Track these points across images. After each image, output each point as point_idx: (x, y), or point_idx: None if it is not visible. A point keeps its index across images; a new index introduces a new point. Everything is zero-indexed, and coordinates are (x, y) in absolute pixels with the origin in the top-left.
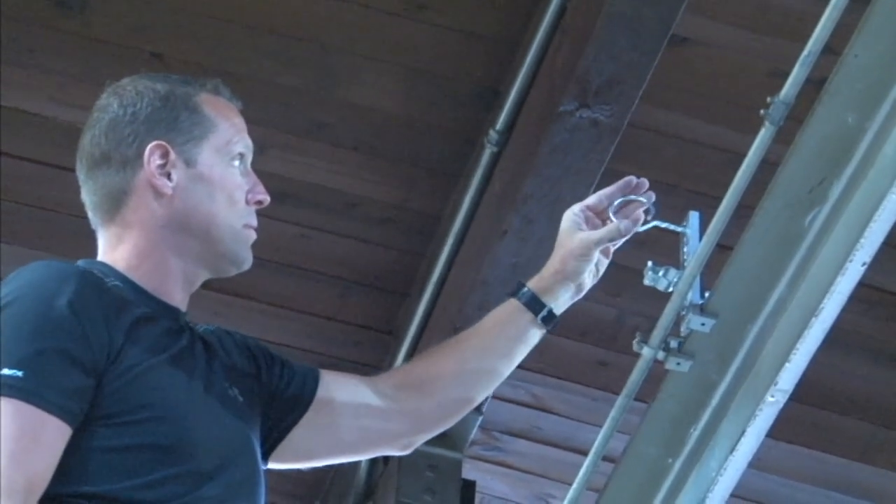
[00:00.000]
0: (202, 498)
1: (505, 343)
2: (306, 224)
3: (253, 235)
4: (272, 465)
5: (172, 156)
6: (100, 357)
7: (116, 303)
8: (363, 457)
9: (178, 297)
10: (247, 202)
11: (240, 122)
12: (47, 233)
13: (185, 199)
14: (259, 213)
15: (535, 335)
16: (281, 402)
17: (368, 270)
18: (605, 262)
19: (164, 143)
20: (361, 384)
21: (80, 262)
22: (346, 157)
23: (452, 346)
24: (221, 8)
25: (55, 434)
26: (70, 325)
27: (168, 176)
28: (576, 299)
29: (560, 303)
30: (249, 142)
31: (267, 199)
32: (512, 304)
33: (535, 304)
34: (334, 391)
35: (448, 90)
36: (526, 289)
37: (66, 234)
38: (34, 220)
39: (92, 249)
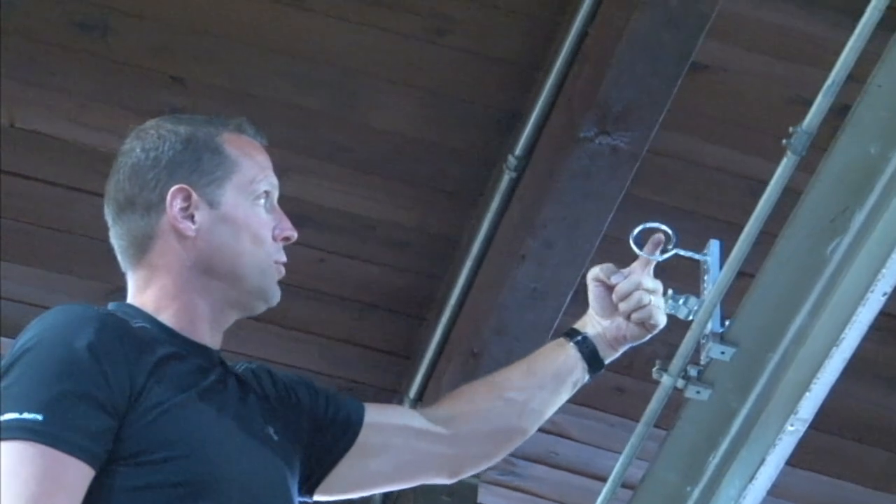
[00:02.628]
0: None
1: (550, 374)
2: (324, 247)
3: (282, 271)
4: (318, 498)
5: (195, 198)
6: (121, 398)
7: (140, 343)
8: (410, 484)
9: (209, 337)
10: (274, 238)
11: (264, 159)
12: (67, 255)
13: (210, 240)
14: None
15: (574, 361)
16: (328, 433)
17: (386, 294)
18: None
19: (186, 186)
20: (409, 411)
21: (110, 305)
22: (365, 180)
23: (513, 377)
24: (242, 31)
25: (77, 476)
26: (89, 367)
27: (191, 218)
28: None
29: (588, 328)
30: (275, 179)
31: (294, 234)
32: (559, 342)
33: (570, 330)
34: (382, 418)
35: (467, 114)
36: (575, 328)
37: (88, 257)
38: (54, 242)
39: (106, 270)
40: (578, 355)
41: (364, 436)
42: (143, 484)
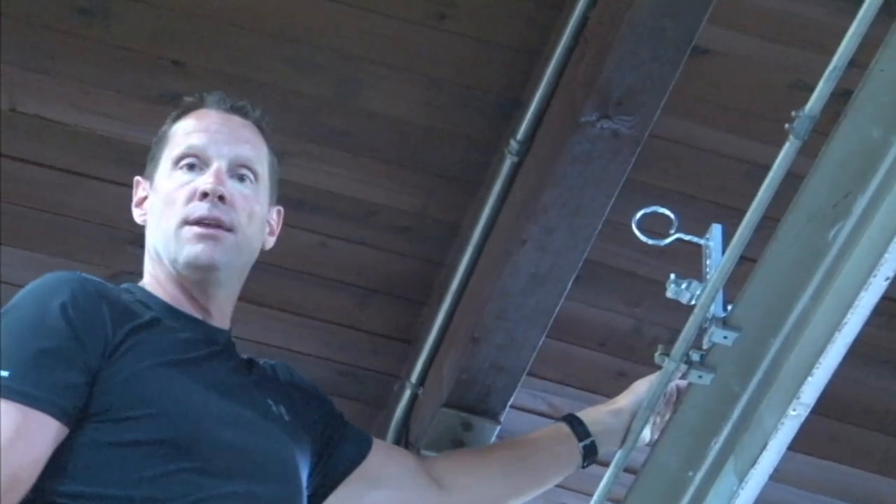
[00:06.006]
0: (214, 497)
1: (550, 471)
2: (325, 232)
3: (194, 230)
4: None
5: (143, 185)
6: (93, 356)
7: (121, 307)
8: None
9: (200, 312)
10: (189, 198)
11: (196, 123)
12: (67, 239)
13: (149, 221)
14: None
15: (574, 463)
16: (334, 455)
17: (387, 279)
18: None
19: (140, 177)
20: (412, 456)
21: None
22: (366, 165)
23: (506, 460)
24: (243, 16)
25: (41, 429)
26: (60, 326)
27: (143, 206)
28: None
29: (599, 429)
30: (198, 140)
31: (210, 187)
32: (567, 434)
33: (578, 427)
34: (386, 452)
35: (469, 99)
36: (584, 426)
37: (88, 241)
38: (54, 226)
39: (106, 255)
40: (580, 458)
41: (368, 462)
42: (123, 440)
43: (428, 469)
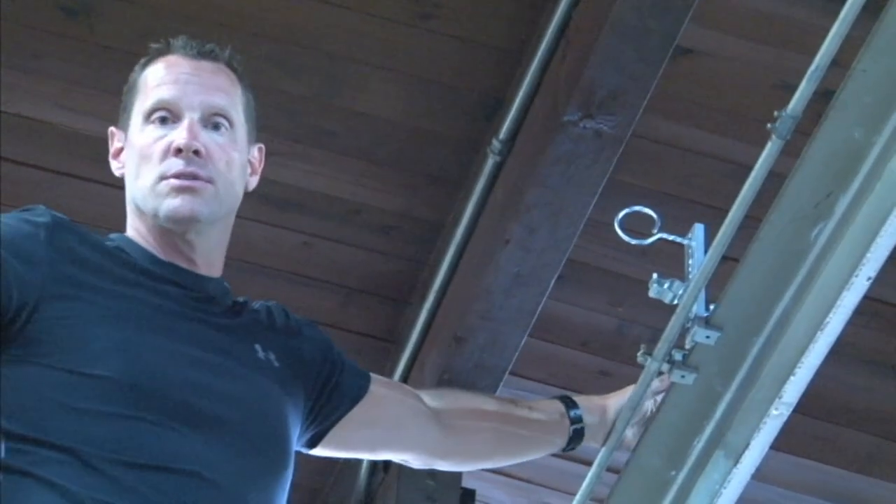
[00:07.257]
0: (164, 439)
1: (538, 444)
2: (308, 231)
3: (172, 183)
4: (317, 453)
5: (118, 136)
6: (14, 289)
7: (74, 248)
8: (394, 455)
9: (185, 261)
10: (164, 154)
11: (165, 74)
12: None
13: (127, 174)
14: (261, 221)
15: (559, 445)
16: (333, 394)
17: (370, 278)
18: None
19: (114, 128)
20: (411, 397)
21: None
22: (350, 164)
23: (504, 420)
24: (226, 15)
25: None
26: None
27: (119, 158)
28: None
29: (590, 420)
30: (168, 93)
31: (184, 142)
32: (562, 413)
33: (573, 411)
34: (385, 395)
35: (452, 99)
36: (579, 410)
37: None
38: None
39: None
40: (566, 441)
41: (368, 400)
42: (59, 376)
43: (429, 407)
